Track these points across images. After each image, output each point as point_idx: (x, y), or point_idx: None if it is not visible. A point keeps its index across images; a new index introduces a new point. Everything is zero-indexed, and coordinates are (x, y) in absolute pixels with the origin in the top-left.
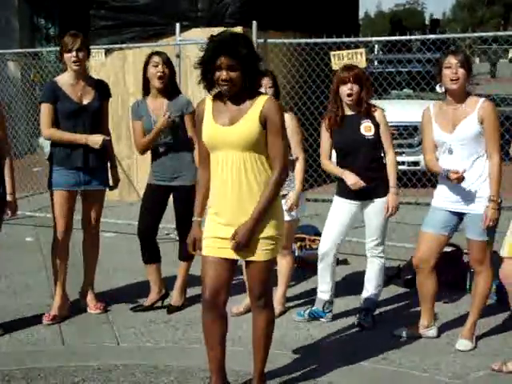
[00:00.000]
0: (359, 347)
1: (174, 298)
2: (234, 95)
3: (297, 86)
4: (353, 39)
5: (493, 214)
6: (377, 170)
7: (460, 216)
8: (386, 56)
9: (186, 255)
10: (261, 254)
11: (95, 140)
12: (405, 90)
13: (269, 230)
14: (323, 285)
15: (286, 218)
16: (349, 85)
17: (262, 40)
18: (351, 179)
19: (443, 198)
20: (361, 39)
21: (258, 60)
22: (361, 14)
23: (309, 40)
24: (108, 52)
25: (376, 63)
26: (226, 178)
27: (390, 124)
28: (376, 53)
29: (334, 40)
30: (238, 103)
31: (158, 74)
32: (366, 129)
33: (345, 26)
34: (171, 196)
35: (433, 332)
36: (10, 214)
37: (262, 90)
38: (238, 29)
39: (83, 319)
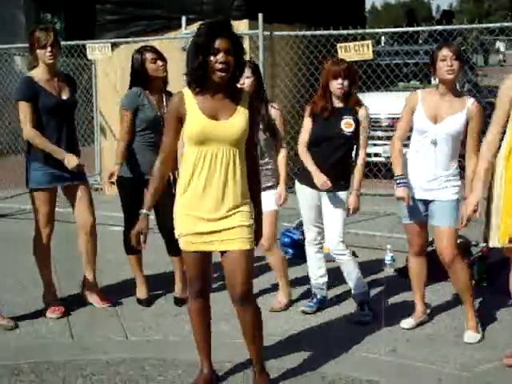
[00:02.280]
0: (367, 339)
1: (180, 289)
2: (223, 87)
3: (303, 78)
4: (359, 31)
5: (470, 215)
6: (342, 166)
7: (426, 203)
8: (393, 48)
9: (174, 250)
10: (246, 241)
11: (72, 163)
12: (412, 82)
13: (250, 220)
14: (317, 270)
15: (273, 207)
16: (339, 80)
17: (267, 33)
18: (320, 180)
19: (413, 187)
20: (367, 31)
21: (244, 51)
22: (367, 7)
23: (315, 32)
24: (114, 46)
25: (383, 55)
26: (212, 172)
27: (397, 116)
28: (383, 44)
29: (341, 32)
30: (224, 96)
31: (160, 67)
32: (347, 125)
33: (351, 18)
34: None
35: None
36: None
37: (240, 80)
38: (244, 21)
39: (91, 313)
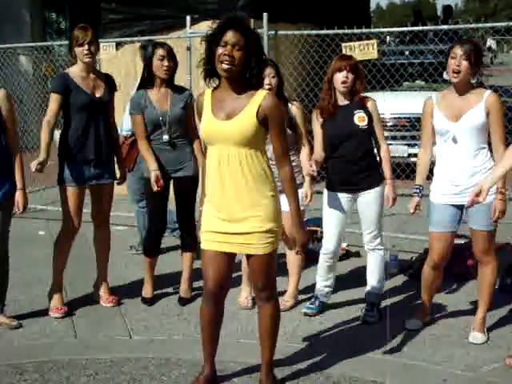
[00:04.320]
0: (371, 339)
1: (184, 289)
2: (233, 86)
3: (308, 77)
4: (364, 30)
5: (502, 206)
6: (369, 160)
7: (462, 208)
8: (398, 47)
9: (190, 246)
10: (260, 247)
11: (34, 163)
12: (417, 82)
13: (266, 224)
14: (325, 277)
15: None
16: (344, 72)
17: (272, 32)
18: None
19: (443, 193)
20: (372, 30)
21: (262, 51)
22: (372, 6)
23: (320, 32)
24: (119, 45)
25: (388, 54)
26: (223, 172)
27: (402, 115)
28: (388, 44)
29: (346, 31)
30: (236, 97)
31: (165, 67)
32: (360, 119)
33: (356, 17)
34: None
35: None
36: (20, 210)
37: (266, 80)
38: (249, 21)
39: (96, 312)
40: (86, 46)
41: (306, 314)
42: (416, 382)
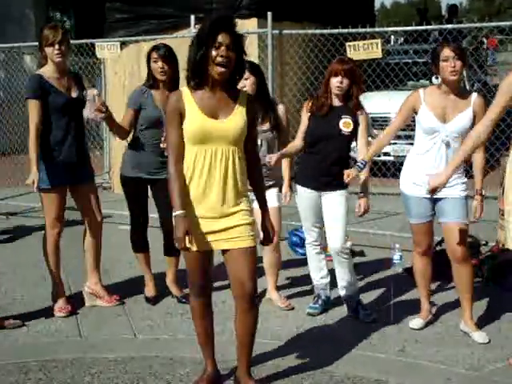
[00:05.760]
0: (375, 339)
1: (177, 291)
2: (223, 86)
3: (312, 77)
4: (369, 29)
5: (482, 207)
6: (341, 165)
7: (434, 201)
8: (403, 46)
9: (174, 250)
10: (248, 239)
11: (29, 180)
12: (421, 81)
13: (248, 217)
14: (318, 271)
15: (276, 203)
16: (339, 78)
17: (276, 31)
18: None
19: (416, 183)
20: (377, 29)
21: (243, 50)
22: (377, 5)
23: (324, 31)
24: (123, 45)
25: (392, 53)
26: (212, 171)
27: None
28: (392, 43)
29: (350, 31)
30: (222, 95)
31: (159, 69)
32: (345, 124)
33: (360, 16)
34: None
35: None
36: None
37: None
38: (253, 20)
39: (100, 311)
40: (57, 46)
41: (309, 314)
42: (420, 382)
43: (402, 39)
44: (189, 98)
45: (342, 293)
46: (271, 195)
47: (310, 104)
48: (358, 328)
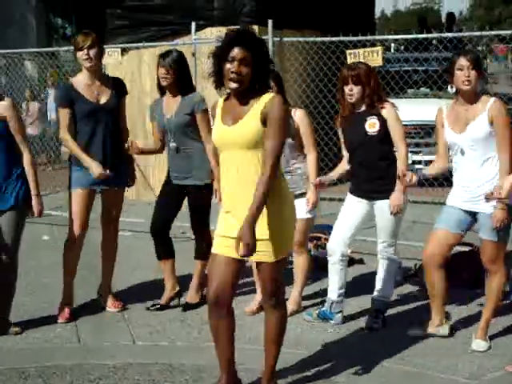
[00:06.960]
0: (375, 347)
1: (190, 295)
2: (241, 95)
3: (312, 84)
4: (369, 37)
5: (501, 215)
6: (385, 167)
7: (474, 215)
8: (403, 54)
9: (201, 254)
10: (268, 254)
11: (95, 172)
12: (422, 89)
13: (274, 231)
14: (331, 284)
15: (304, 215)
16: (349, 86)
17: (277, 38)
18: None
19: (456, 197)
20: (377, 37)
21: (269, 61)
22: (377, 13)
23: (325, 38)
24: (124, 51)
25: (392, 61)
26: (232, 177)
27: (407, 123)
28: (392, 51)
29: (350, 38)
30: (244, 103)
31: (160, 75)
32: (371, 125)
33: (361, 24)
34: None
35: (444, 330)
36: (36, 215)
37: None
38: (254, 27)
39: (99, 317)
40: (85, 51)
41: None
42: None
43: (403, 47)
44: (219, 107)
45: (374, 295)
46: (302, 205)
47: (339, 119)
48: (358, 336)
